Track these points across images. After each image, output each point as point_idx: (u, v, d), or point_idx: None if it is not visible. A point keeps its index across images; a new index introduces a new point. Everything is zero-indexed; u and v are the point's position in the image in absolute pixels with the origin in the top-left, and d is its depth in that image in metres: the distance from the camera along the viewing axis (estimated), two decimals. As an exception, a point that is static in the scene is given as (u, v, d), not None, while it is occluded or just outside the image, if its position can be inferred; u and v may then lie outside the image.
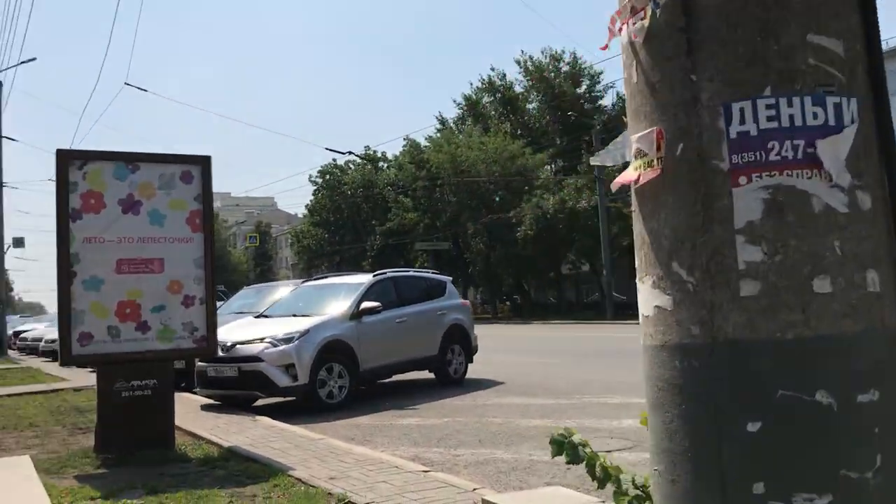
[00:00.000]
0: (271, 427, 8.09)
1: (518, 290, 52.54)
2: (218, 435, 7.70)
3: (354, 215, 58.11)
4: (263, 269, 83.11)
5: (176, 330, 7.27)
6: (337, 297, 10.83)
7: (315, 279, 12.54)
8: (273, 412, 9.43)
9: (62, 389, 13.01)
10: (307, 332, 9.59)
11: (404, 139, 55.74)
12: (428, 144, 53.64)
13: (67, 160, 7.03)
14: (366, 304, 10.35)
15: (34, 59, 27.04)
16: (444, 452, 6.87)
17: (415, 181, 50.80)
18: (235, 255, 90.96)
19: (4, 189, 29.73)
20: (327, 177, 61.25)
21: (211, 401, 10.16)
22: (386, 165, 59.56)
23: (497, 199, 46.71)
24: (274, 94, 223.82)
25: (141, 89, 18.79)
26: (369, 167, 57.67)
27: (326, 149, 38.22)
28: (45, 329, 27.25)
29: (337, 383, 9.73)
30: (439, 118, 58.75)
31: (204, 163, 7.55)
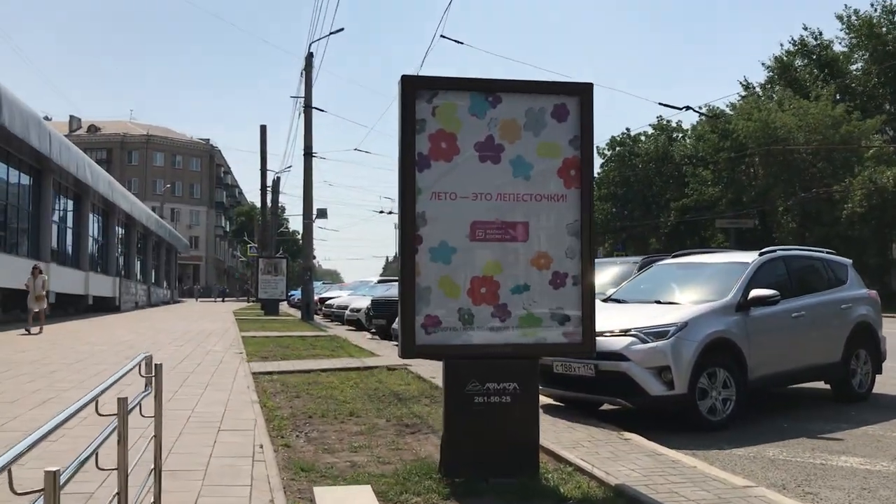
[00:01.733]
0: (655, 454, 5.98)
1: (833, 275, 46.33)
2: (587, 459, 5.74)
3: (645, 189, 54.64)
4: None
5: (542, 318, 5.41)
6: (712, 281, 8.43)
7: (676, 256, 10.23)
8: (620, 420, 7.42)
9: (375, 367, 11.99)
10: (685, 325, 7.33)
11: (702, 107, 51.21)
12: (730, 112, 48.86)
13: (414, 90, 5.36)
14: (758, 292, 7.84)
15: (342, 29, 27.28)
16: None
17: (717, 152, 46.41)
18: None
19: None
20: (617, 148, 58.13)
21: (550, 400, 8.33)
22: (681, 136, 55.42)
23: (815, 171, 41.12)
24: (564, 62, 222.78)
25: (456, 41, 17.58)
26: (663, 138, 53.90)
27: (660, 104, 35.55)
28: (348, 297, 27.72)
29: (721, 395, 7.39)
30: (743, 83, 53.50)
31: (584, 93, 5.55)
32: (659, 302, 8.35)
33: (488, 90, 5.45)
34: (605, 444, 6.35)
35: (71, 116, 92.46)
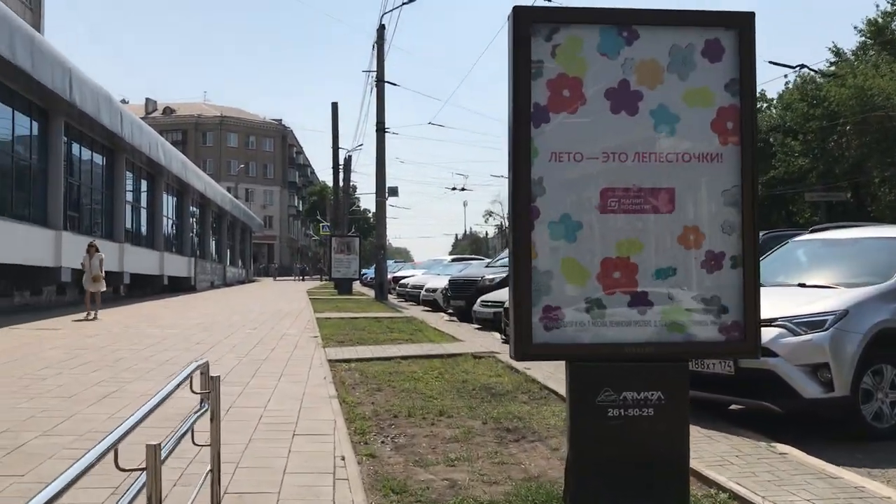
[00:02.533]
0: (828, 477, 4.80)
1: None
2: (745, 484, 4.62)
3: (728, 163, 52.31)
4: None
5: (692, 310, 4.27)
6: (867, 261, 7.13)
7: (817, 230, 8.87)
8: (754, 424, 6.28)
9: (459, 355, 10.99)
10: (845, 313, 6.08)
11: (790, 73, 48.36)
12: (820, 80, 46.00)
13: (530, 23, 4.25)
14: (932, 274, 6.54)
15: (414, -1, 26.15)
16: None
17: (806, 122, 43.79)
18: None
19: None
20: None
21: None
22: (766, 105, 52.69)
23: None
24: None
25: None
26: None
27: (770, 62, 33.42)
28: (423, 276, 26.84)
29: (888, 397, 6.15)
30: (833, 49, 50.35)
31: (742, 25, 4.34)
32: (803, 285, 7.09)
33: (623, 23, 4.30)
34: (757, 460, 5.21)
35: (147, 99, 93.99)
